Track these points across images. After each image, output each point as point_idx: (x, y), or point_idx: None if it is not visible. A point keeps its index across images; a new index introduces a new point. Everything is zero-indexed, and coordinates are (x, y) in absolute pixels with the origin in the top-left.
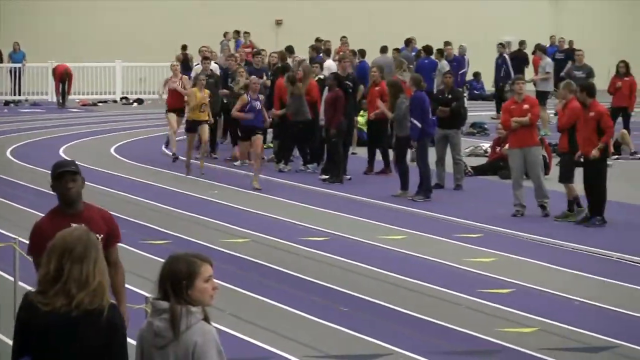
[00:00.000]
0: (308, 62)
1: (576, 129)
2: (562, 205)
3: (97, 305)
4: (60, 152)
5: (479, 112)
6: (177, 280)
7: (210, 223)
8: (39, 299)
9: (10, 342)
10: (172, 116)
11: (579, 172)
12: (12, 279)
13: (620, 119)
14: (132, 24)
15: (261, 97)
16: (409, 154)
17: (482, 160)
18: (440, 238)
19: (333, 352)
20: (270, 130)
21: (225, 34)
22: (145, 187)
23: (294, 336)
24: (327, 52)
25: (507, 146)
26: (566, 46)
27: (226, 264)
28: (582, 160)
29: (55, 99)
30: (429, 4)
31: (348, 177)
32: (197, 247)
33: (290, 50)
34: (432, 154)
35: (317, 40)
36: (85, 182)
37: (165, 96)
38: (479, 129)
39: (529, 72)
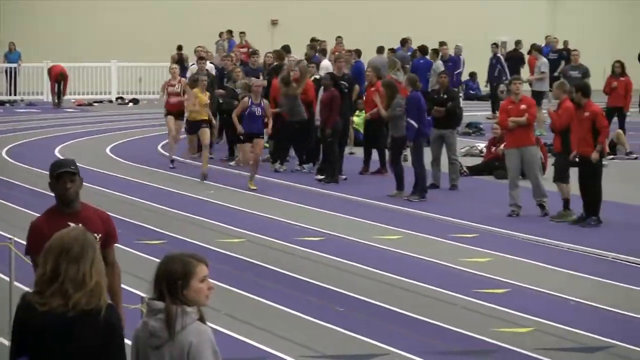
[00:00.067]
0: (306, 60)
1: (570, 129)
2: (560, 205)
3: (94, 306)
4: (56, 152)
5: (475, 112)
6: (173, 281)
7: (205, 223)
8: (36, 299)
9: (7, 343)
10: (171, 120)
11: (574, 172)
12: (7, 279)
13: (615, 119)
14: (129, 24)
15: (265, 101)
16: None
17: (478, 160)
18: (436, 238)
19: (329, 352)
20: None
21: (220, 34)
22: (140, 187)
23: (290, 336)
24: (323, 52)
25: (502, 146)
26: (560, 46)
27: (222, 264)
28: (577, 160)
29: (50, 99)
30: (427, 4)
31: (344, 177)
32: (192, 247)
33: (287, 49)
34: (427, 154)
35: (313, 40)
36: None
37: (164, 99)
38: (474, 129)
39: (524, 72)
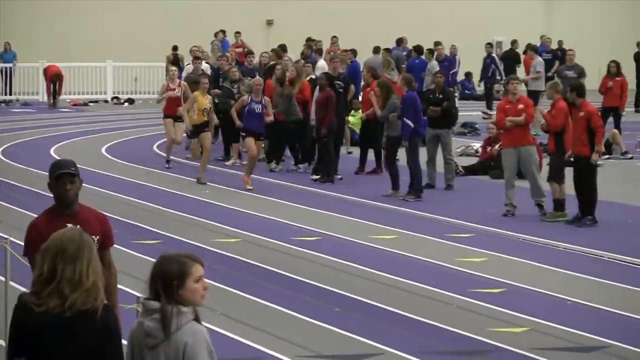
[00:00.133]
0: (302, 60)
1: (565, 129)
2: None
3: (90, 306)
4: (51, 152)
5: (470, 112)
6: (168, 280)
7: (201, 223)
8: (32, 300)
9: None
10: (169, 122)
11: (569, 172)
12: (3, 279)
13: (611, 119)
14: (124, 24)
15: (266, 99)
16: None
17: (473, 160)
18: (432, 238)
19: (325, 352)
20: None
21: (216, 34)
22: (136, 187)
23: (286, 336)
24: (319, 52)
25: (497, 146)
26: (555, 46)
27: (217, 263)
28: (572, 159)
29: (46, 99)
30: (423, 4)
31: (339, 177)
32: (188, 247)
33: (283, 49)
34: (423, 153)
35: (309, 40)
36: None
37: (164, 104)
38: (469, 128)
39: (520, 72)
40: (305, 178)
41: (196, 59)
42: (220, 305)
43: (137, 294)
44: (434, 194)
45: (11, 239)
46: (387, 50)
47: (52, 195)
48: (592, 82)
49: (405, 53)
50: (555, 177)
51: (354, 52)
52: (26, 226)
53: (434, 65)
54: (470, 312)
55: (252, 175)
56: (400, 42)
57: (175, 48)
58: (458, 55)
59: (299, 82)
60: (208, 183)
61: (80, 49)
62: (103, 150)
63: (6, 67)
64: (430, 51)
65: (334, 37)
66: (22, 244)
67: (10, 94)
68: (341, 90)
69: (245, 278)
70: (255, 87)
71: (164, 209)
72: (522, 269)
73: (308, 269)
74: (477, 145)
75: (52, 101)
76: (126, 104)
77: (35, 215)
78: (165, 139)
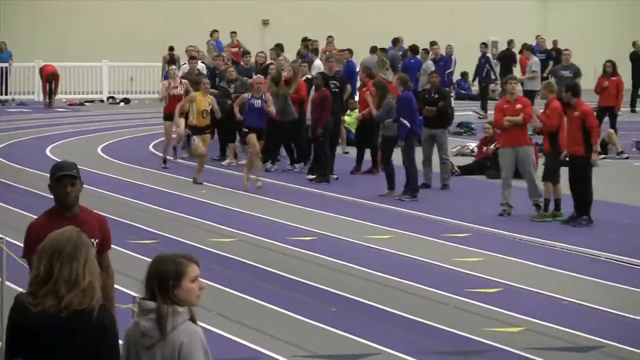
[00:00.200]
0: (299, 59)
1: (560, 129)
2: (553, 205)
3: (86, 306)
4: (47, 151)
5: (466, 111)
6: (164, 280)
7: (197, 223)
8: (29, 300)
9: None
10: (169, 124)
11: (564, 171)
12: None
13: (607, 119)
14: (120, 23)
15: (267, 95)
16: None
17: (469, 160)
18: (428, 238)
19: (321, 351)
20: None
21: (211, 34)
22: (132, 187)
23: (282, 336)
24: (315, 52)
25: (493, 146)
26: (550, 46)
27: (214, 263)
28: (567, 159)
29: (42, 99)
30: (419, 3)
31: (335, 176)
32: (184, 247)
33: (281, 48)
34: (418, 153)
35: (305, 40)
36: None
37: (165, 103)
38: (465, 128)
39: (516, 72)
40: (301, 178)
41: (192, 58)
42: (217, 305)
43: (133, 294)
44: (430, 193)
45: (7, 238)
46: (383, 50)
47: (48, 195)
48: (588, 82)
49: (401, 53)
50: (550, 177)
51: (350, 51)
52: (22, 226)
53: (429, 65)
54: (467, 312)
55: (253, 177)
56: (396, 41)
57: (171, 48)
58: (454, 55)
59: (295, 82)
60: (204, 183)
61: (73, 48)
62: (99, 150)
63: (2, 67)
64: (426, 51)
65: (330, 37)
66: (18, 243)
67: (6, 94)
68: (336, 90)
69: (242, 278)
70: (255, 86)
71: (160, 208)
72: (518, 268)
73: (304, 268)
74: (472, 145)
75: (47, 101)
76: (122, 103)
77: (31, 215)
78: (160, 140)
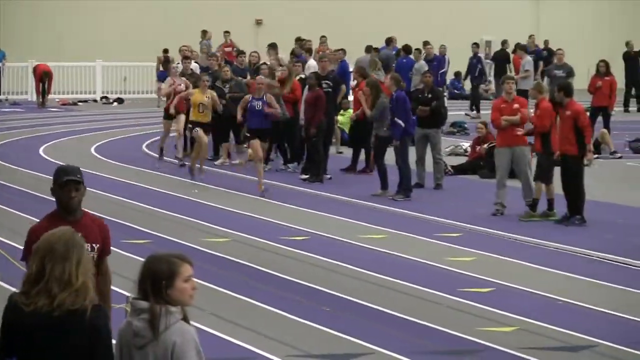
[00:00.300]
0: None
1: (552, 129)
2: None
3: (79, 306)
4: (40, 151)
5: (460, 111)
6: (157, 280)
7: (191, 222)
8: (22, 300)
9: None
10: (168, 123)
11: (556, 171)
12: None
13: (600, 118)
14: (114, 23)
15: (268, 96)
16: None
17: (462, 160)
18: (421, 237)
19: (315, 351)
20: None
21: (205, 33)
22: (126, 187)
23: (276, 336)
24: (309, 52)
25: (486, 145)
26: (542, 46)
27: (207, 263)
28: (560, 159)
29: (35, 98)
30: (415, 3)
31: (328, 176)
32: (178, 247)
33: (273, 47)
34: (412, 153)
35: (298, 39)
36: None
37: (167, 101)
38: (459, 128)
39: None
40: (295, 178)
41: (185, 58)
42: (210, 305)
43: (127, 294)
44: (423, 193)
45: (1, 238)
46: (376, 49)
47: (42, 195)
48: (582, 81)
49: (394, 52)
50: (543, 177)
51: (343, 51)
52: (15, 226)
53: (422, 65)
54: (460, 311)
55: (247, 176)
56: (389, 41)
57: (166, 51)
58: (448, 55)
59: (290, 82)
60: (197, 182)
61: (66, 48)
62: (92, 149)
63: None
64: (418, 51)
65: (323, 36)
66: (12, 243)
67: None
68: (329, 89)
69: (235, 278)
70: (257, 85)
71: (154, 208)
72: (511, 268)
73: (298, 268)
74: (466, 144)
75: (41, 100)
76: (115, 103)
77: (25, 215)
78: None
